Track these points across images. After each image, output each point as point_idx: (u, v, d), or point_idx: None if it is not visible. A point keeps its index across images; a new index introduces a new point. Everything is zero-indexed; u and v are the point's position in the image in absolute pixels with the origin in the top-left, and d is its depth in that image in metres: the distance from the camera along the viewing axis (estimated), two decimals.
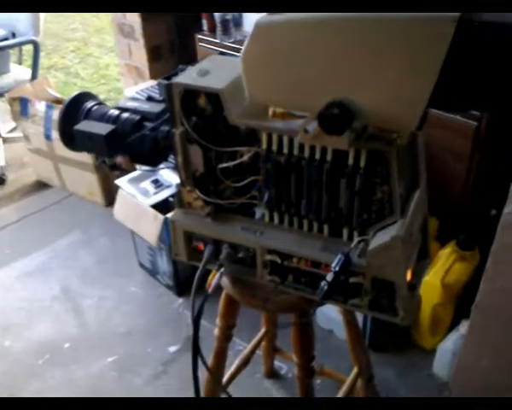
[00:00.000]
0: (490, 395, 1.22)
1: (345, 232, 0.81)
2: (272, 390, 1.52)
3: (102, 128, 0.91)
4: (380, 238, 0.76)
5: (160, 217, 1.68)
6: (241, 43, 1.94)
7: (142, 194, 1.80)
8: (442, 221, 1.60)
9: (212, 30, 2.09)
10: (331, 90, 0.64)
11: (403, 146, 0.72)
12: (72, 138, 0.95)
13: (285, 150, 0.79)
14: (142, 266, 2.00)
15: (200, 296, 0.88)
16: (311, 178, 0.79)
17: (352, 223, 0.79)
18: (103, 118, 0.95)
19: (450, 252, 1.51)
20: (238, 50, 2.16)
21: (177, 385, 1.56)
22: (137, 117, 0.93)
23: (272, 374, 1.53)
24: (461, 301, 1.55)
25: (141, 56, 2.41)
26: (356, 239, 0.79)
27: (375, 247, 0.75)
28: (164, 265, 1.85)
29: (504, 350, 1.18)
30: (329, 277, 0.78)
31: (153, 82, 2.23)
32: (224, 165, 0.85)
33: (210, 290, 0.89)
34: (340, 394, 1.16)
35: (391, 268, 0.76)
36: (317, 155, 0.76)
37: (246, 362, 1.27)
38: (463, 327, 1.39)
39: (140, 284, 1.96)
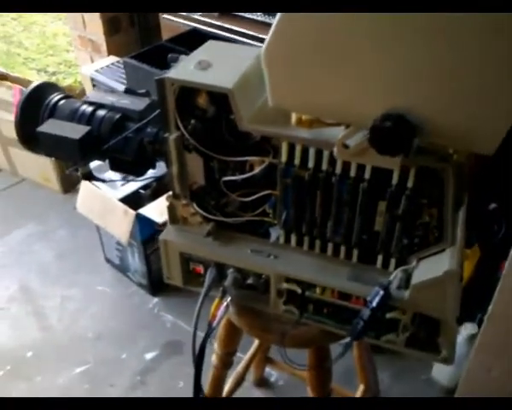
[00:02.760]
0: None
1: (379, 259, 0.69)
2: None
3: (74, 130, 0.73)
4: (427, 270, 0.64)
5: (131, 213, 1.50)
6: (214, 17, 1.74)
7: (108, 185, 1.61)
8: None
9: None
10: (387, 98, 0.50)
11: (460, 162, 0.59)
12: (33, 141, 0.77)
13: (310, 164, 0.64)
14: (109, 261, 1.82)
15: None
16: (342, 198, 0.65)
17: (390, 249, 0.67)
18: (74, 116, 0.76)
19: None
20: (211, 26, 1.96)
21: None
22: (117, 115, 0.76)
23: (262, 382, 1.41)
24: (463, 300, 1.48)
25: (96, 28, 2.16)
26: (397, 270, 0.66)
27: (424, 281, 0.62)
28: (135, 262, 1.68)
29: None
30: (365, 314, 0.65)
31: (112, 59, 2.00)
32: (232, 178, 0.70)
33: (214, 324, 0.75)
34: None
35: (440, 304, 0.64)
36: (353, 173, 0.62)
37: (240, 381, 1.15)
38: (466, 330, 1.32)
39: (108, 282, 1.78)
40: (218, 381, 0.95)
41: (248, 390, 1.41)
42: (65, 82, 2.87)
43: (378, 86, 0.50)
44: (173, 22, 1.83)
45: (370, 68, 0.49)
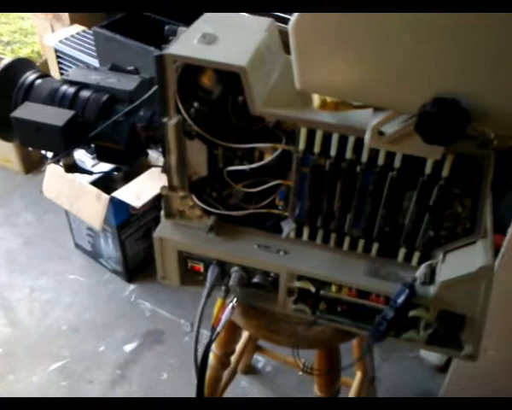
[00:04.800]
0: (494, 387, 1.15)
1: (401, 253, 0.63)
2: (253, 389, 1.36)
3: (56, 115, 0.64)
4: (456, 265, 0.59)
5: (105, 197, 1.40)
6: None
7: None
8: None
9: None
10: (437, 82, 0.44)
11: (501, 149, 0.54)
12: (5, 128, 0.67)
13: (333, 152, 0.58)
14: (79, 247, 1.72)
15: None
16: (367, 188, 0.59)
17: (415, 242, 0.62)
18: (54, 99, 0.67)
19: None
20: None
21: (140, 393, 1.35)
22: (104, 97, 0.67)
23: (250, 369, 1.37)
24: None
25: None
26: (422, 265, 0.61)
27: (455, 277, 0.58)
28: (109, 248, 1.58)
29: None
30: (389, 315, 0.60)
31: (77, 27, 1.84)
32: (240, 167, 0.63)
33: (219, 328, 0.68)
34: None
35: (470, 302, 0.59)
36: (381, 161, 0.56)
37: (233, 375, 1.09)
38: None
39: (80, 269, 1.68)
40: (216, 381, 0.90)
41: (237, 378, 1.36)
42: (21, 53, 2.67)
43: (428, 68, 0.43)
44: None
45: (421, 49, 0.43)
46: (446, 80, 0.43)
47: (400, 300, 0.60)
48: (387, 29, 0.43)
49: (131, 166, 0.72)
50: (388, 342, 1.44)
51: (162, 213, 0.71)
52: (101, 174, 1.38)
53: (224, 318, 0.68)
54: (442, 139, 0.45)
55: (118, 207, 1.44)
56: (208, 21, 0.63)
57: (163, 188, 0.69)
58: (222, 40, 0.58)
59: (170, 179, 0.67)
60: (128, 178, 1.47)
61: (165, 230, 0.70)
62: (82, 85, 0.68)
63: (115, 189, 1.45)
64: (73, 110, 0.65)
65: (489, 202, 0.60)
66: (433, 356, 1.38)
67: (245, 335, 1.14)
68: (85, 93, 0.67)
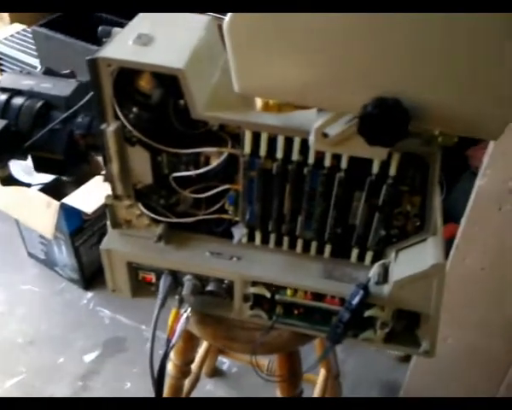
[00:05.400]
0: (455, 373, 1.17)
1: (354, 253, 0.62)
2: (219, 392, 1.34)
3: None
4: (408, 263, 0.58)
5: (55, 204, 1.35)
6: None
7: (23, 171, 1.42)
8: None
9: None
10: (379, 81, 0.42)
11: (447, 145, 0.53)
12: None
13: (279, 154, 0.56)
14: (32, 256, 1.65)
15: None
16: (315, 190, 0.57)
17: (367, 242, 0.61)
18: None
19: None
20: None
21: None
22: (38, 103, 0.63)
23: (215, 372, 1.35)
24: None
25: None
26: (375, 265, 0.60)
27: (407, 276, 0.57)
28: (63, 256, 1.53)
29: (469, 329, 1.12)
30: (345, 317, 0.59)
31: (17, 27, 1.76)
32: (185, 173, 0.60)
33: (174, 340, 0.66)
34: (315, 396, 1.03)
35: (423, 300, 0.59)
36: (327, 162, 0.55)
37: (195, 382, 1.07)
38: None
39: (33, 279, 1.61)
40: (176, 391, 0.87)
41: (202, 382, 1.34)
42: None
43: (367, 67, 0.42)
44: None
45: (358, 48, 0.41)
46: (386, 79, 0.42)
47: (355, 301, 0.59)
48: (324, 29, 0.41)
49: (72, 176, 0.68)
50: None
51: (108, 223, 0.68)
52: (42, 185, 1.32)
53: (178, 329, 0.65)
54: (385, 140, 0.44)
55: (69, 213, 1.39)
56: (144, 21, 0.60)
57: (107, 197, 0.65)
58: (158, 41, 0.55)
59: (113, 188, 0.63)
60: (80, 181, 1.42)
61: (112, 241, 0.67)
62: (14, 92, 0.63)
63: (66, 194, 1.39)
64: (5, 119, 0.61)
65: (438, 199, 0.59)
66: None
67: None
68: (18, 100, 0.63)
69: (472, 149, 1.63)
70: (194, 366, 1.07)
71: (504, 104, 0.41)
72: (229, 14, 0.43)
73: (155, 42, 0.55)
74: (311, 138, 0.50)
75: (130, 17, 0.63)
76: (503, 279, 1.05)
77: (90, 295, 1.57)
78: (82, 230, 1.48)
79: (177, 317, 0.66)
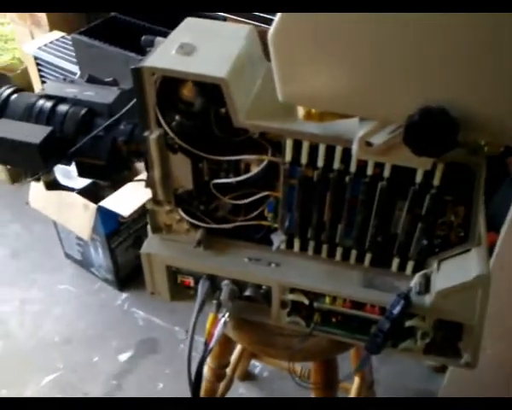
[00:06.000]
0: (493, 387, 1.14)
1: (395, 262, 0.62)
2: (251, 395, 1.34)
3: (33, 132, 0.61)
4: (452, 274, 0.57)
5: (92, 206, 1.38)
6: None
7: (63, 175, 1.46)
8: None
9: None
10: (425, 90, 0.42)
11: (492, 155, 0.52)
12: None
13: (320, 163, 0.56)
14: (69, 257, 1.69)
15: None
16: (357, 199, 0.57)
17: (408, 251, 0.60)
18: (30, 114, 0.64)
19: None
20: None
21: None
22: (82, 111, 0.64)
23: (247, 376, 1.35)
24: None
25: None
26: (417, 275, 0.59)
27: (450, 287, 0.56)
28: (99, 257, 1.56)
29: (508, 339, 1.09)
30: (385, 326, 0.59)
31: (56, 34, 1.81)
32: (226, 180, 0.61)
33: (211, 344, 0.66)
34: None
35: (467, 311, 0.58)
36: (370, 171, 0.54)
37: (229, 385, 1.08)
38: None
39: (70, 279, 1.65)
40: (211, 393, 0.88)
41: (234, 385, 1.34)
42: (1, 59, 2.63)
43: (414, 76, 0.41)
44: None
45: (405, 56, 0.41)
46: (433, 89, 0.41)
47: (396, 311, 0.58)
48: (369, 36, 0.41)
49: (113, 181, 0.69)
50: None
51: (149, 227, 0.69)
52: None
53: (216, 333, 0.66)
54: (431, 151, 0.43)
55: (106, 216, 1.41)
56: (186, 31, 0.60)
57: (148, 202, 0.66)
58: (200, 50, 0.56)
59: (154, 194, 0.64)
60: (116, 186, 1.45)
61: (152, 245, 0.68)
62: (59, 99, 0.65)
63: (103, 197, 1.42)
64: (51, 126, 0.62)
65: (482, 209, 0.58)
66: None
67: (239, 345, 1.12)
68: (63, 107, 0.64)
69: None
70: (228, 370, 1.08)
71: None
72: (274, 23, 0.43)
73: (197, 51, 0.56)
74: (355, 147, 0.49)
75: (171, 25, 0.64)
76: None
77: (124, 296, 1.59)
78: (118, 232, 1.50)
79: (215, 321, 0.66)
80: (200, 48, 0.56)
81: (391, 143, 0.47)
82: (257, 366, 1.39)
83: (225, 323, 0.66)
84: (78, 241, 1.59)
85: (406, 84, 0.42)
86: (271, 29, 0.44)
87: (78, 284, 1.63)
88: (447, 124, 0.41)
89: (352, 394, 1.03)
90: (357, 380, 1.05)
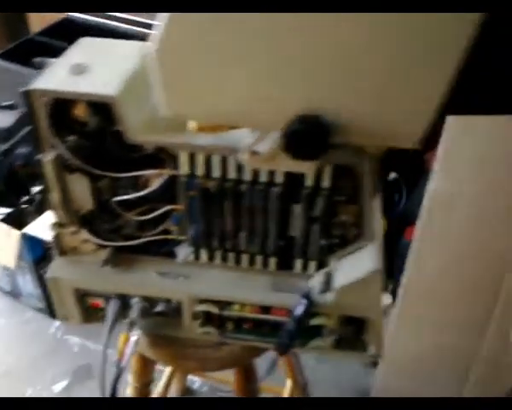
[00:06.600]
0: (422, 375, 1.20)
1: (298, 264, 0.64)
2: None
3: None
4: (348, 270, 0.60)
5: (15, 233, 1.33)
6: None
7: None
8: None
9: None
10: (299, 98, 0.44)
11: (376, 155, 0.55)
12: None
13: (216, 173, 0.57)
14: None
15: None
16: (254, 206, 0.59)
17: (308, 252, 0.62)
18: None
19: None
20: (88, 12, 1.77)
21: None
22: None
23: (186, 392, 1.34)
24: None
25: None
26: (317, 273, 0.62)
27: (347, 283, 0.59)
28: (28, 285, 1.51)
29: (432, 328, 1.14)
30: (290, 326, 0.60)
31: None
32: (126, 197, 0.61)
33: (123, 363, 0.66)
34: None
35: (366, 304, 0.60)
36: (263, 178, 0.56)
37: None
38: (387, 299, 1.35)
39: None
40: None
41: None
42: None
43: (288, 87, 0.44)
44: (41, 13, 1.63)
45: (279, 68, 0.43)
46: (306, 98, 0.44)
47: (299, 311, 0.60)
48: (243, 54, 0.43)
49: (13, 207, 0.68)
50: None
51: (54, 251, 0.68)
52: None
53: (128, 352, 0.66)
54: (308, 154, 0.45)
55: (32, 242, 1.37)
56: (79, 51, 0.60)
57: (53, 225, 0.66)
58: (93, 69, 0.56)
59: (57, 216, 0.64)
60: (41, 210, 1.41)
61: (58, 268, 0.67)
62: None
63: (28, 223, 1.38)
64: None
65: (377, 206, 0.61)
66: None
67: None
68: None
69: (430, 153, 1.67)
70: (160, 387, 1.07)
71: (414, 115, 0.43)
72: (154, 42, 0.44)
73: (89, 71, 0.56)
74: (243, 157, 0.51)
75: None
76: (460, 279, 1.08)
77: (57, 324, 1.54)
78: (46, 258, 1.46)
79: (127, 340, 0.66)
80: (93, 67, 0.57)
81: (274, 150, 0.49)
82: (195, 381, 1.38)
83: (137, 341, 0.66)
84: (5, 270, 1.53)
85: (281, 93, 0.44)
86: (152, 47, 0.44)
87: (8, 316, 1.57)
88: (319, 129, 0.44)
89: (285, 396, 1.05)
90: (289, 383, 1.06)
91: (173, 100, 0.46)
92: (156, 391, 1.08)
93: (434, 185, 1.01)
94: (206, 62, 0.43)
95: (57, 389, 1.39)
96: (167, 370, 1.11)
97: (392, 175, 1.52)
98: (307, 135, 0.44)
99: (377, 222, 0.62)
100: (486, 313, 1.08)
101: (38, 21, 1.63)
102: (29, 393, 1.38)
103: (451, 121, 0.89)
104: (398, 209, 1.24)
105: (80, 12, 1.54)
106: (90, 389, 1.38)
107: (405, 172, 1.54)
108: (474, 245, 1.00)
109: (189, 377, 1.34)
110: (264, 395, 1.12)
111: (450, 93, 0.41)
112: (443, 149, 0.95)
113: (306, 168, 0.50)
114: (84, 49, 0.61)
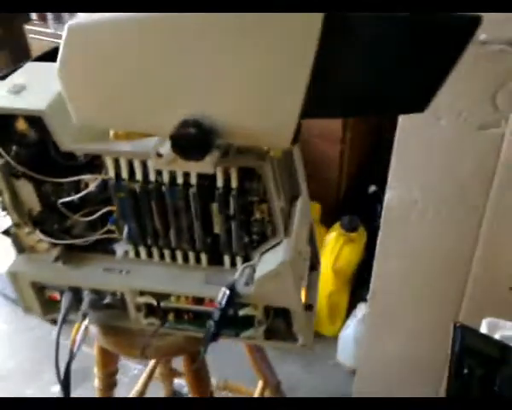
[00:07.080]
0: (396, 381, 1.22)
1: (226, 260, 0.69)
2: None
3: None
4: (266, 263, 0.65)
5: None
6: None
7: None
8: (323, 205, 1.55)
9: (44, 18, 1.79)
10: (182, 105, 0.50)
11: (277, 158, 0.61)
12: None
13: (138, 176, 0.64)
14: (5, 297, 1.73)
15: None
16: (176, 206, 0.65)
17: (233, 248, 0.68)
18: None
19: (337, 236, 1.47)
20: None
21: None
22: None
23: (174, 396, 1.39)
24: (355, 283, 1.54)
25: None
26: (240, 267, 0.67)
27: (262, 275, 0.64)
28: None
29: (404, 334, 1.16)
30: (215, 315, 0.66)
31: None
32: (67, 199, 0.68)
33: (76, 349, 0.73)
34: None
35: (283, 295, 0.65)
36: (180, 180, 0.62)
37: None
38: (360, 311, 1.37)
39: (5, 318, 1.69)
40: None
41: None
42: None
43: (171, 95, 0.50)
44: (42, 41, 1.76)
45: (162, 77, 0.49)
46: (187, 106, 0.50)
47: (223, 301, 0.66)
48: (132, 66, 0.49)
49: None
50: (309, 355, 1.47)
51: (14, 250, 0.75)
52: None
53: (78, 339, 0.73)
54: (194, 155, 0.51)
55: None
56: (23, 73, 0.68)
57: (10, 226, 0.73)
58: (29, 88, 0.64)
59: (11, 218, 0.71)
60: None
61: (16, 264, 0.74)
62: None
63: None
64: None
65: (281, 204, 0.65)
66: (348, 360, 1.44)
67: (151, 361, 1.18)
68: None
69: None
70: (138, 386, 1.14)
71: (282, 120, 0.48)
72: (58, 58, 0.51)
73: (27, 89, 0.64)
74: (150, 159, 0.57)
75: None
76: (425, 281, 1.10)
77: None
78: None
79: (78, 328, 0.73)
80: (29, 86, 0.64)
81: (172, 153, 0.54)
82: (184, 385, 1.43)
83: (86, 328, 0.73)
84: None
85: (166, 100, 0.50)
86: (57, 65, 0.51)
87: (13, 322, 1.67)
88: (200, 132, 0.50)
89: (256, 395, 1.09)
90: (260, 383, 1.10)
91: (78, 111, 0.53)
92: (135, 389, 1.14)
93: (389, 195, 1.03)
94: (100, 78, 0.50)
95: (55, 389, 1.46)
96: (144, 374, 1.17)
97: (372, 188, 1.56)
98: (190, 137, 0.50)
99: (297, 219, 0.67)
100: (454, 315, 1.09)
101: (39, 50, 1.76)
102: (28, 394, 1.47)
103: (400, 132, 0.93)
104: (378, 221, 1.28)
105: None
106: (89, 390, 1.45)
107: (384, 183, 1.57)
108: (431, 245, 1.03)
109: (176, 381, 1.39)
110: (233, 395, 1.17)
111: (307, 99, 0.46)
112: (396, 160, 0.98)
113: (206, 169, 0.56)
114: (27, 71, 0.69)
